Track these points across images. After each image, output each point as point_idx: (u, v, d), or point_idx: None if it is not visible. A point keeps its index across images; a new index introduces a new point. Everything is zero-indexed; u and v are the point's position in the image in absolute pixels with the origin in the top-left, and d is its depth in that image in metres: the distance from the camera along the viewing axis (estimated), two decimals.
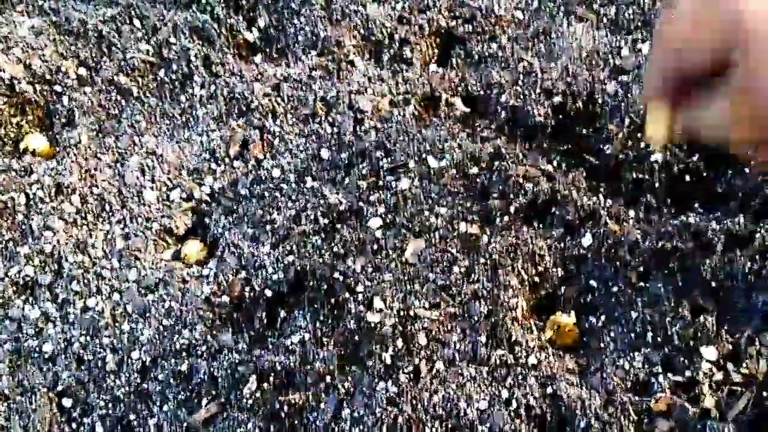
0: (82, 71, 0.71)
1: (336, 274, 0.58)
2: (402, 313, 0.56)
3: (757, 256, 0.50)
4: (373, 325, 0.56)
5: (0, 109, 0.70)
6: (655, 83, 0.41)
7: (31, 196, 0.66)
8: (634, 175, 0.58)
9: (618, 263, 0.53)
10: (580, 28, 0.63)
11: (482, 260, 0.56)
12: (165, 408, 0.58)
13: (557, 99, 0.60)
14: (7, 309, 0.64)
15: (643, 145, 0.58)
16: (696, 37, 0.38)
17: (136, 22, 0.71)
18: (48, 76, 0.70)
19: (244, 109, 0.65)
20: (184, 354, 0.59)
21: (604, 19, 0.63)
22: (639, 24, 0.62)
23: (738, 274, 0.50)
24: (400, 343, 0.55)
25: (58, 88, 0.70)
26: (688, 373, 0.48)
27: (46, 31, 0.71)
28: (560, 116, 0.59)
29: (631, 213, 0.54)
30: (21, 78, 0.69)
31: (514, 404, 0.51)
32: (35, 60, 0.70)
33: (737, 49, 0.37)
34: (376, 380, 0.54)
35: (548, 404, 0.50)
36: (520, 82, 0.61)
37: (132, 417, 0.59)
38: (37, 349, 0.62)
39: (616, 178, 0.57)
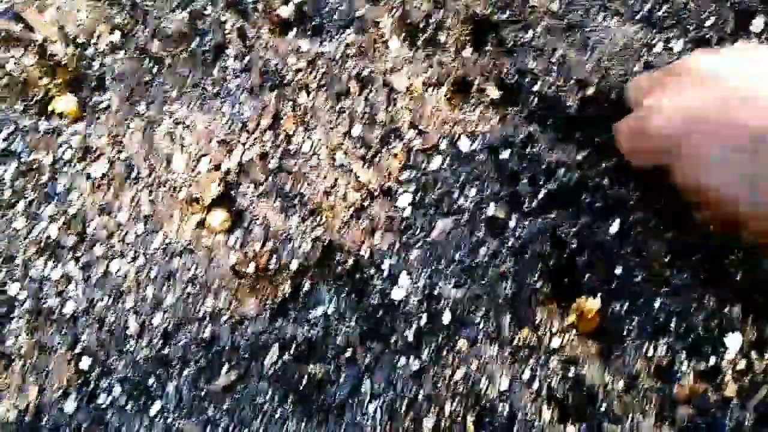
0: (115, 37, 0.71)
1: (362, 250, 0.59)
2: (427, 291, 0.56)
3: None
4: (397, 301, 0.57)
5: (30, 70, 0.70)
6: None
7: (58, 158, 0.66)
8: None
9: (644, 252, 0.54)
10: (614, 22, 0.63)
11: (509, 243, 0.56)
12: (185, 373, 0.58)
13: (590, 91, 0.60)
14: (28, 269, 0.64)
15: None
16: (638, 151, 0.51)
17: None
18: (80, 40, 0.70)
19: (277, 83, 0.65)
20: (206, 321, 0.60)
21: (638, 15, 0.64)
22: (672, 22, 0.62)
23: (764, 265, 0.51)
24: (423, 320, 0.55)
25: (89, 52, 0.70)
26: (711, 361, 0.49)
27: None
28: (592, 108, 0.60)
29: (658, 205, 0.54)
30: (54, 40, 0.69)
31: (536, 385, 0.52)
32: (69, 23, 0.70)
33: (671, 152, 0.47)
34: (398, 356, 0.55)
35: (570, 387, 0.51)
36: (553, 72, 0.62)
37: (151, 381, 0.59)
38: (58, 309, 0.62)
39: None
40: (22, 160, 0.67)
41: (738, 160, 0.42)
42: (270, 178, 0.63)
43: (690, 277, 0.52)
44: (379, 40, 0.65)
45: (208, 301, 0.60)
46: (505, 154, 0.60)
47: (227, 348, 0.58)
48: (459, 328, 0.54)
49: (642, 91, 0.52)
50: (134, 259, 0.62)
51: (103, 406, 0.60)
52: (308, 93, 0.64)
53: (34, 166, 0.66)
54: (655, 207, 0.55)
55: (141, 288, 0.61)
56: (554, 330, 0.53)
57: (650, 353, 0.51)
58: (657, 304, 0.52)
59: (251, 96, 0.66)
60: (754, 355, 0.48)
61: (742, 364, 0.48)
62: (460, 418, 0.52)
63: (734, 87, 0.44)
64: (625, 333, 0.53)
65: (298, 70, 0.65)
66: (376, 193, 0.61)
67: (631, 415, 0.49)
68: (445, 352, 0.54)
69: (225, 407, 0.57)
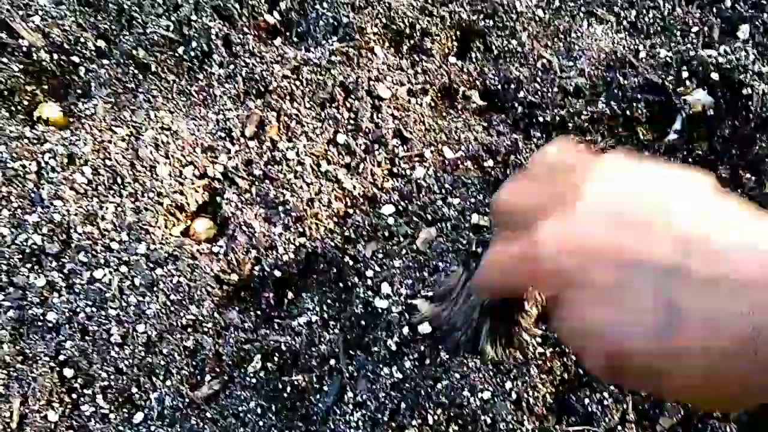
0: (101, 43, 0.70)
1: (346, 258, 0.59)
2: (410, 301, 0.56)
3: None
4: (380, 310, 0.56)
5: (15, 77, 0.69)
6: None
7: (43, 165, 0.66)
8: None
9: None
10: (600, 29, 0.63)
11: None
12: (168, 382, 0.58)
13: (575, 98, 0.60)
14: (12, 276, 0.64)
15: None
16: (509, 284, 0.38)
17: None
18: (66, 46, 0.70)
19: (262, 90, 0.65)
20: (190, 330, 0.59)
21: (624, 22, 0.64)
22: (658, 29, 0.62)
23: None
24: (406, 330, 0.55)
25: (75, 58, 0.70)
26: None
27: (66, 0, 0.71)
28: (577, 115, 0.60)
29: None
30: (39, 46, 0.69)
31: (516, 396, 0.52)
32: (54, 29, 0.70)
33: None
34: (381, 366, 0.55)
35: (551, 397, 0.51)
36: (538, 79, 0.62)
37: (134, 390, 0.59)
38: (41, 317, 0.62)
39: None
40: (8, 167, 0.66)
41: (646, 290, 0.30)
42: (255, 186, 0.63)
43: None
44: (365, 47, 0.65)
45: (191, 309, 0.60)
46: (489, 162, 0.59)
47: (210, 357, 0.58)
48: (441, 338, 0.54)
49: (518, 211, 0.37)
50: (118, 267, 0.62)
51: (87, 414, 0.59)
52: (293, 101, 0.64)
53: (19, 174, 0.66)
54: None
55: (124, 296, 0.61)
56: (536, 341, 0.53)
57: None
58: None
59: (236, 103, 0.66)
60: None
61: None
62: (442, 428, 0.52)
63: (640, 220, 0.31)
64: None
65: (284, 77, 0.65)
66: (360, 201, 0.61)
67: (609, 420, 0.49)
68: (427, 362, 0.54)
69: (208, 416, 0.57)
